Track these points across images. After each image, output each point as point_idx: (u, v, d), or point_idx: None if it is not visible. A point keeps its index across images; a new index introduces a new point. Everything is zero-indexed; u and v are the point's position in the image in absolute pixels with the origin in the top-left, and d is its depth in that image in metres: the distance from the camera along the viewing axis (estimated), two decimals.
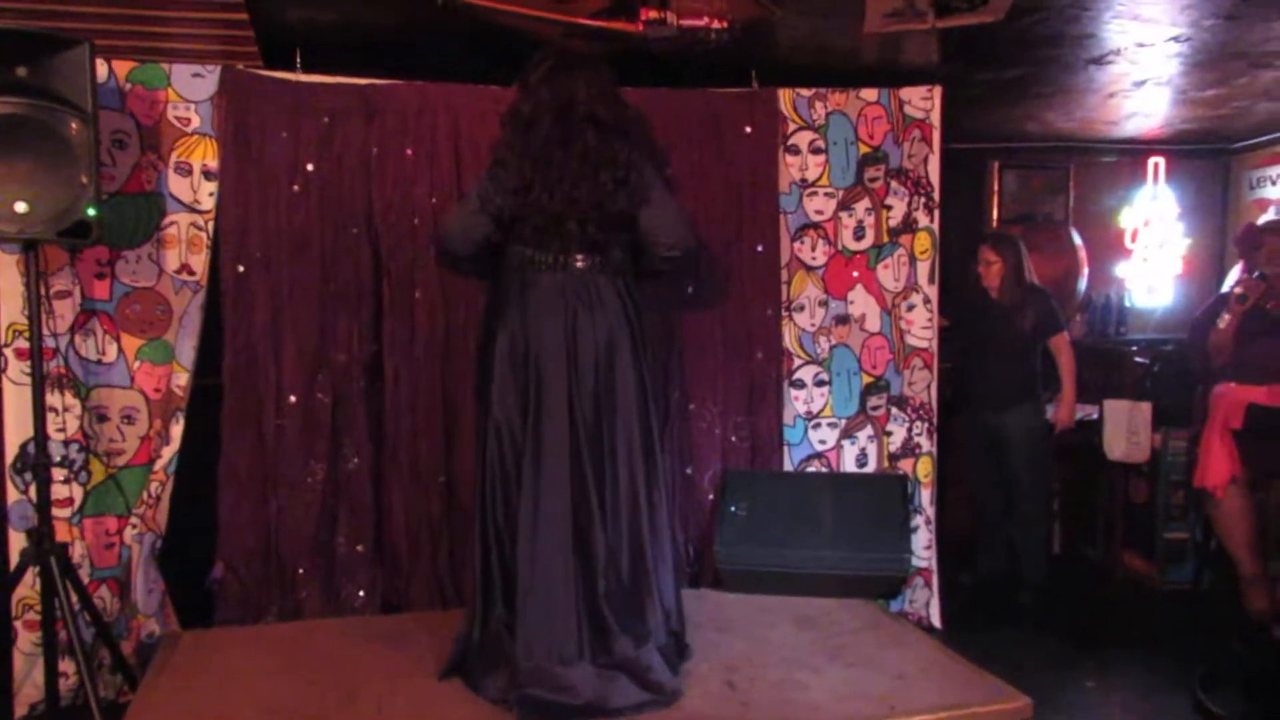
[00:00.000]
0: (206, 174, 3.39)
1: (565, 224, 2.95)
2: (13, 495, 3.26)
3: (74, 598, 2.91)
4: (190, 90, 3.36)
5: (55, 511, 3.12)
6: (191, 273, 3.39)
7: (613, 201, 2.97)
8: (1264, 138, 5.60)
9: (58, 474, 3.20)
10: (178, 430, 3.36)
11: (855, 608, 3.60)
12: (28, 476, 3.22)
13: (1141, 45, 3.77)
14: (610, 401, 2.98)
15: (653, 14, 3.12)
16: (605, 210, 2.96)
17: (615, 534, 2.95)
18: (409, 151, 3.54)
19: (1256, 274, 3.79)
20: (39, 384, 2.93)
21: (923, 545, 3.91)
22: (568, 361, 2.94)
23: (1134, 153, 5.85)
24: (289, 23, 3.36)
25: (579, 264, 2.99)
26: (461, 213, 3.12)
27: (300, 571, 3.51)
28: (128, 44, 3.25)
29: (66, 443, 3.26)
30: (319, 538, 3.53)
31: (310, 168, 3.47)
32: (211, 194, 3.39)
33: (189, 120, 3.37)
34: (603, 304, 2.99)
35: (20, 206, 2.74)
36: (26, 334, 3.07)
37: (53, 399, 3.14)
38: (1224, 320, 3.84)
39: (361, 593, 3.55)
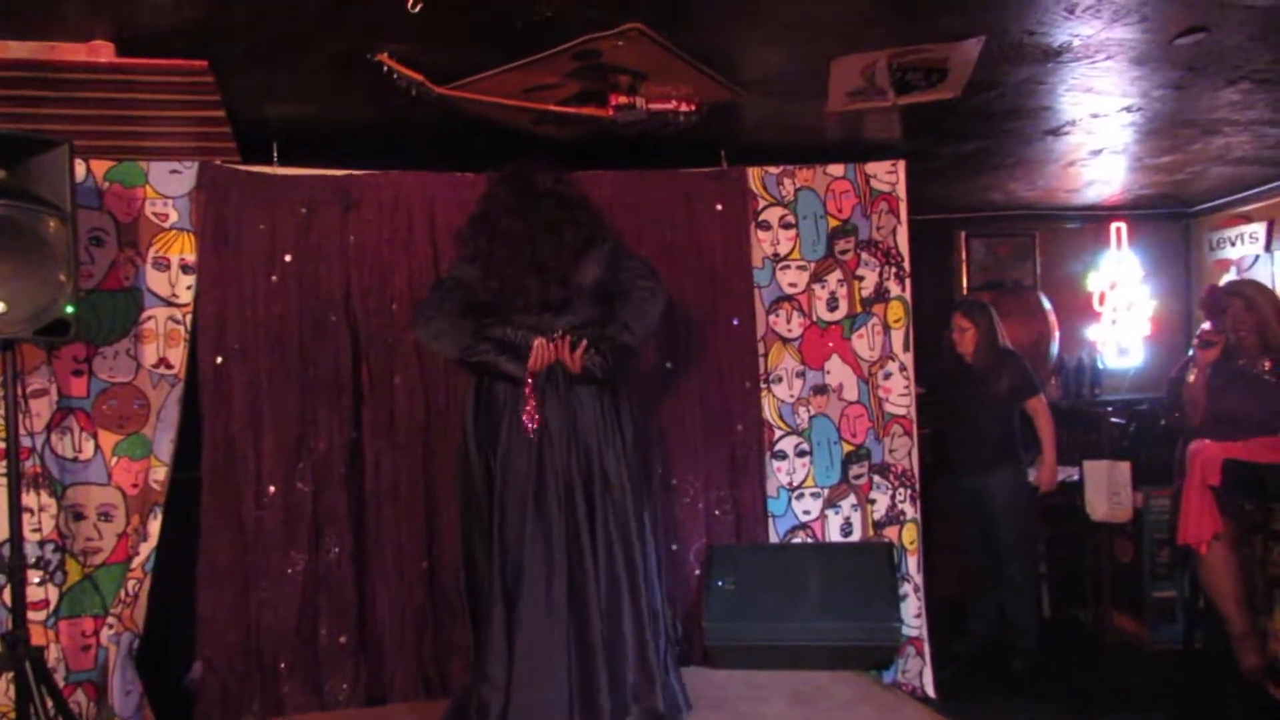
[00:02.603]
0: (184, 268, 3.42)
1: (526, 282, 3.00)
2: None
3: (49, 704, 2.82)
4: (168, 186, 3.41)
5: (30, 614, 3.04)
6: (169, 366, 3.39)
7: (576, 261, 3.03)
8: (1220, 200, 5.77)
9: (33, 575, 3.14)
10: (156, 526, 3.32)
11: (848, 680, 3.55)
12: (2, 579, 3.16)
13: (1096, 116, 3.90)
14: (595, 477, 3.01)
15: (622, 99, 3.21)
16: (568, 269, 3.02)
17: (610, 605, 2.94)
18: (385, 239, 3.59)
19: (1221, 330, 3.87)
20: (15, 485, 2.89)
21: (912, 613, 3.88)
22: (560, 435, 2.97)
23: (1096, 218, 6.01)
24: (266, 117, 3.43)
25: (556, 337, 3.03)
26: (430, 319, 3.09)
27: (282, 666, 3.44)
28: (106, 144, 3.30)
29: (42, 543, 3.21)
30: (301, 630, 3.47)
31: (288, 258, 3.50)
32: (189, 287, 3.42)
33: (167, 216, 3.41)
34: (583, 380, 3.03)
35: None
36: (1, 435, 3.04)
37: (28, 499, 3.10)
38: (1192, 374, 3.91)
39: (345, 685, 3.48)
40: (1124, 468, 4.58)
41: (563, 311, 3.05)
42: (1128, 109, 3.83)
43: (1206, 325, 4.00)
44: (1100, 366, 5.94)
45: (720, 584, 3.71)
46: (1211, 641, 4.15)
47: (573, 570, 2.93)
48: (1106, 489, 4.61)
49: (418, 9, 2.50)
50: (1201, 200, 5.86)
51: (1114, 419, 5.20)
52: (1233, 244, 5.75)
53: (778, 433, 3.94)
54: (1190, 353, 4.08)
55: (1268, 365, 3.81)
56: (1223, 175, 5.15)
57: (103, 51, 2.72)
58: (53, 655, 3.18)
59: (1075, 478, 4.78)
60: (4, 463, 2.97)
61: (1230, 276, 5.46)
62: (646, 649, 3.04)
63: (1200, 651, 4.25)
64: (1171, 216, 6.10)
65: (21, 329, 2.79)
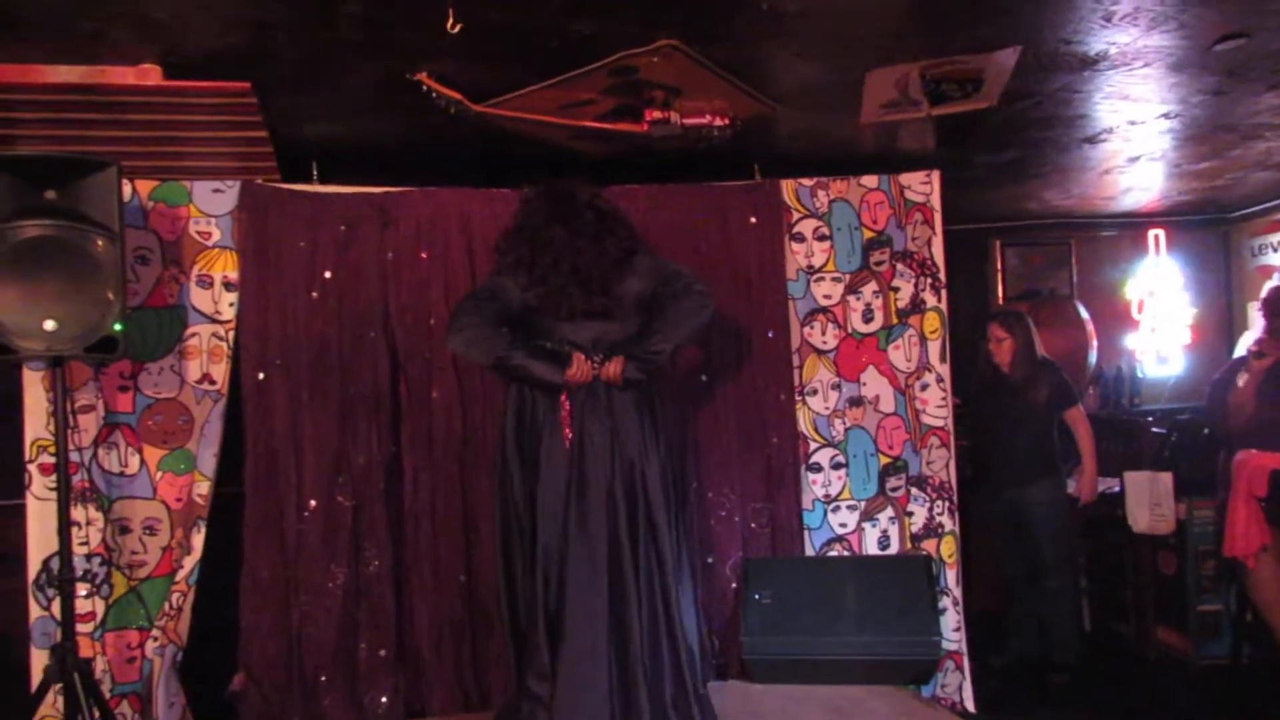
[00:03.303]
0: (227, 285, 3.47)
1: (568, 290, 3.01)
2: (34, 612, 3.26)
3: (97, 715, 2.87)
4: (211, 205, 3.47)
5: (77, 627, 3.09)
6: (213, 382, 3.44)
7: (618, 272, 3.05)
8: (1261, 206, 5.68)
9: (80, 588, 3.19)
10: (199, 539, 3.37)
11: (887, 695, 3.52)
12: (50, 592, 3.22)
13: (1133, 123, 3.87)
14: (638, 489, 3.02)
15: (657, 114, 3.24)
16: (609, 279, 3.04)
17: (649, 617, 2.95)
18: (423, 255, 3.63)
19: (1277, 337, 3.81)
20: (65, 499, 2.95)
21: (951, 627, 3.84)
22: (602, 446, 2.98)
23: (1134, 225, 5.94)
24: (306, 136, 3.49)
25: (595, 345, 3.04)
26: (464, 328, 3.05)
27: (322, 679, 3.47)
28: (152, 164, 3.37)
29: (89, 556, 3.26)
30: (341, 643, 3.49)
31: (328, 275, 3.55)
32: (232, 304, 3.47)
33: (210, 234, 3.47)
34: (621, 391, 3.04)
35: (49, 324, 2.80)
36: (51, 449, 3.11)
37: (75, 513, 3.15)
38: (1243, 379, 3.85)
39: (385, 699, 3.50)
40: (1165, 478, 4.52)
41: (604, 320, 3.06)
42: (1166, 115, 3.79)
43: (1256, 330, 3.93)
44: (1140, 375, 5.87)
45: (757, 597, 3.70)
46: (1260, 656, 4.08)
47: (614, 583, 2.94)
48: (1148, 500, 4.55)
49: (457, 30, 2.54)
50: (1241, 206, 5.78)
51: (1155, 429, 5.13)
52: (1275, 250, 5.66)
53: (813, 445, 3.92)
54: (1241, 353, 4.01)
55: None
56: (1263, 180, 5.08)
57: (150, 74, 2.79)
58: (99, 667, 3.23)
59: (1116, 489, 4.73)
60: (54, 477, 3.04)
61: (1273, 283, 5.37)
62: (684, 663, 3.04)
63: (1248, 666, 4.17)
64: (1211, 223, 6.03)
65: (71, 346, 2.85)
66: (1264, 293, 4.20)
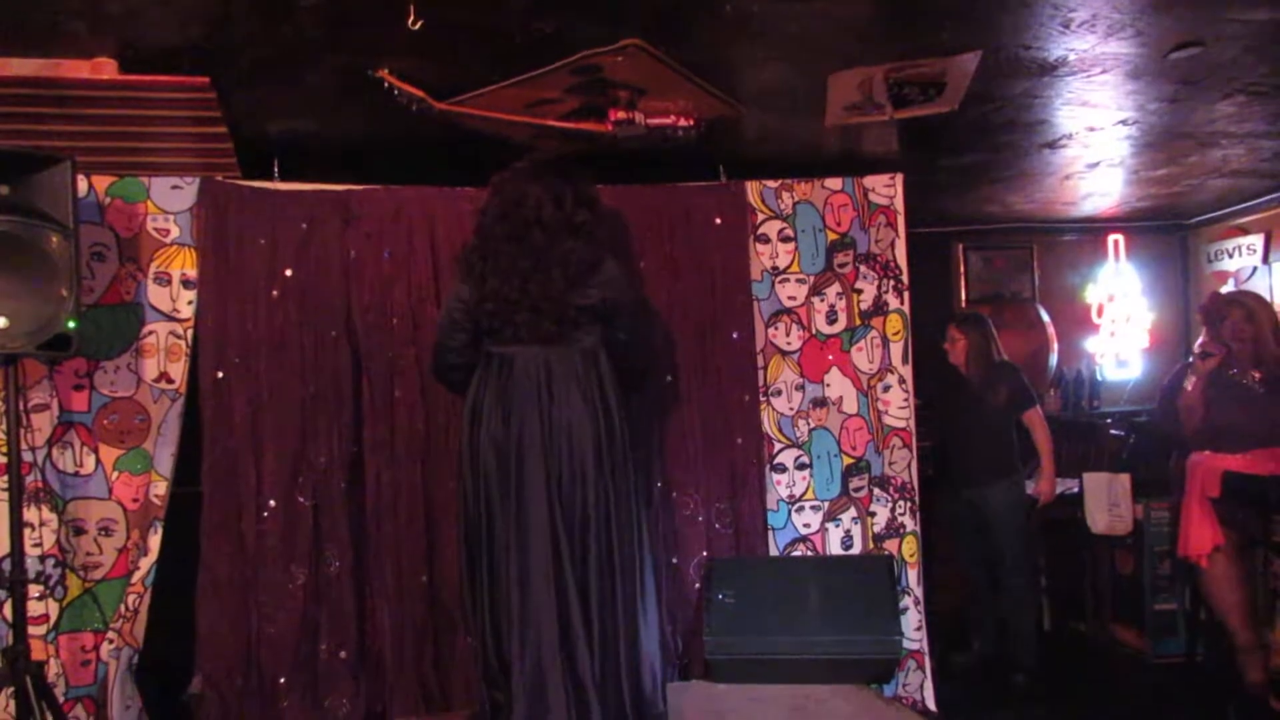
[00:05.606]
0: (185, 283, 3.43)
1: (518, 314, 2.98)
2: None
3: (50, 719, 2.82)
4: (169, 202, 3.42)
5: (30, 629, 3.03)
6: (170, 381, 3.39)
7: (571, 296, 3.00)
8: (1217, 213, 5.79)
9: (33, 590, 3.13)
10: (156, 540, 3.32)
11: (849, 694, 3.54)
12: (2, 594, 3.16)
13: (1092, 129, 3.93)
14: (585, 489, 2.99)
15: (621, 115, 3.23)
16: (562, 304, 3.00)
17: (599, 619, 2.94)
18: (386, 254, 3.60)
19: (1219, 340, 3.88)
20: (16, 500, 2.89)
21: (913, 626, 3.87)
22: (544, 453, 2.95)
23: (1094, 230, 6.03)
24: (267, 133, 3.45)
25: (548, 353, 3.02)
26: (435, 354, 3.25)
27: (282, 681, 3.43)
28: (109, 159, 3.32)
29: (42, 558, 3.20)
30: (300, 645, 3.45)
31: (289, 273, 3.51)
32: (190, 302, 3.43)
33: (168, 231, 3.42)
34: (571, 394, 3.01)
35: (0, 322, 2.75)
36: (2, 449, 3.05)
37: (29, 514, 3.09)
38: (1190, 382, 3.91)
39: (345, 701, 3.47)
40: (1124, 480, 4.59)
41: (557, 344, 3.03)
42: (1124, 122, 3.85)
43: (1204, 336, 4.02)
44: (1099, 378, 5.96)
45: (720, 597, 3.70)
46: (1213, 654, 4.15)
47: (559, 595, 2.92)
48: (1106, 501, 4.61)
49: (418, 26, 2.52)
50: (1199, 212, 5.88)
51: (1113, 431, 5.21)
52: (1230, 256, 5.77)
53: (777, 445, 3.94)
54: (1189, 360, 4.09)
55: (1258, 376, 3.82)
56: (1220, 187, 5.17)
57: (106, 69, 2.74)
58: (52, 670, 3.17)
59: (1075, 490, 4.79)
60: (5, 477, 2.98)
61: (1228, 288, 5.48)
62: (626, 677, 3.02)
63: (1202, 664, 4.24)
64: (1169, 229, 6.13)
65: (24, 344, 2.80)
66: (1203, 300, 4.29)
